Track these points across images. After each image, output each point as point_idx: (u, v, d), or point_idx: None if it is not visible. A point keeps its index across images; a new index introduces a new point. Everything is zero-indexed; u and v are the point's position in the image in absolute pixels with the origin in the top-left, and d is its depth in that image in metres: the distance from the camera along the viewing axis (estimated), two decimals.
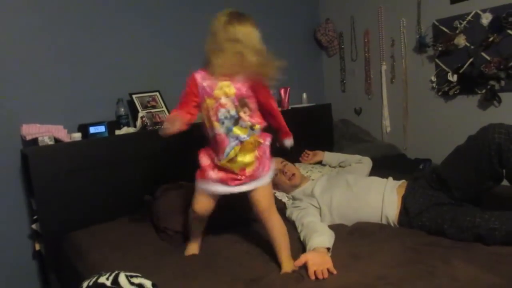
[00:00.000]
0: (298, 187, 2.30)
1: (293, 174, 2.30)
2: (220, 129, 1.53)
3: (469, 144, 1.83)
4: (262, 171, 1.57)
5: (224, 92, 1.51)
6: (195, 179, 1.63)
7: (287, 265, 1.54)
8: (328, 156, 2.75)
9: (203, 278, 1.52)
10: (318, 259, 1.49)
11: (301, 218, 1.91)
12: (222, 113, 1.51)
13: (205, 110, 1.55)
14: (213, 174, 1.56)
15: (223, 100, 1.51)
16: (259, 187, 1.57)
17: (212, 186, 1.57)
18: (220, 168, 1.56)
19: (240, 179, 1.55)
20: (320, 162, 2.78)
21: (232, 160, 1.53)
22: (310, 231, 1.73)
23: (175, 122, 1.51)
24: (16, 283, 2.30)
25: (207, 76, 1.55)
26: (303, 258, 1.50)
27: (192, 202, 1.67)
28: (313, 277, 1.42)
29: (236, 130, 1.52)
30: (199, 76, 1.57)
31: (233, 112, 1.51)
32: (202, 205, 1.64)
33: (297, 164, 2.63)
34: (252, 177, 1.55)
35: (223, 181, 1.56)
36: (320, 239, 1.64)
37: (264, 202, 1.58)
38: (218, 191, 1.58)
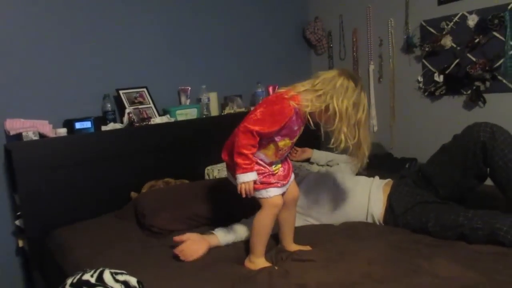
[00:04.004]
0: None
1: None
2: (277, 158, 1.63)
3: (455, 142, 1.86)
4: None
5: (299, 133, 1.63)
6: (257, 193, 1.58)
7: (292, 247, 1.69)
8: (316, 154, 2.75)
9: (189, 276, 1.51)
10: (195, 246, 1.68)
11: None
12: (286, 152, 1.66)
13: (275, 145, 1.57)
14: (276, 179, 1.62)
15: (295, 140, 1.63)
16: (292, 180, 1.71)
17: (282, 188, 1.63)
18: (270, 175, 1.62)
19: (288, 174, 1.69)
20: (308, 160, 2.77)
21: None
22: (242, 223, 1.86)
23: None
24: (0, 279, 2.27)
25: (296, 117, 1.53)
26: (185, 236, 1.69)
27: (263, 216, 1.59)
28: (176, 252, 1.65)
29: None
30: (294, 116, 1.52)
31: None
32: (280, 206, 1.61)
33: None
34: (291, 169, 1.72)
35: (283, 180, 1.64)
36: (223, 233, 1.79)
37: (296, 192, 1.73)
38: (287, 186, 1.67)
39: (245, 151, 1.48)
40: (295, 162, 2.76)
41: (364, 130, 1.54)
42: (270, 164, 1.61)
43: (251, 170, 1.50)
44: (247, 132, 1.48)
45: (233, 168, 1.57)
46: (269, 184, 1.57)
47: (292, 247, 1.70)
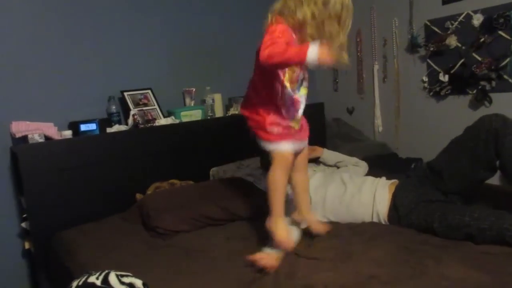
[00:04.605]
0: None
1: None
2: (296, 92, 1.60)
3: (466, 133, 1.86)
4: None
5: None
6: (266, 143, 1.58)
7: (310, 216, 1.72)
8: (326, 154, 2.63)
9: (195, 277, 1.51)
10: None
11: None
12: (300, 76, 1.60)
13: (282, 74, 1.52)
14: (293, 134, 1.61)
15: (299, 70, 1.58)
16: (306, 144, 1.73)
17: (297, 144, 1.63)
18: (287, 128, 1.60)
19: (304, 135, 1.71)
20: (317, 159, 2.66)
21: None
22: None
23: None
24: (6, 281, 2.27)
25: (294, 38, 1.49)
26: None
27: (274, 171, 1.55)
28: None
29: (303, 90, 1.64)
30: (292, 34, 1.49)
31: (301, 75, 1.61)
32: (290, 163, 1.60)
33: None
34: (307, 132, 1.73)
35: (300, 139, 1.65)
36: None
37: (305, 157, 1.76)
38: (301, 147, 1.67)
39: (285, 50, 1.36)
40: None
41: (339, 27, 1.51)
42: (290, 117, 1.59)
43: (307, 47, 1.31)
44: (270, 45, 1.37)
45: (254, 122, 1.59)
46: (285, 137, 1.56)
47: (310, 216, 1.71)
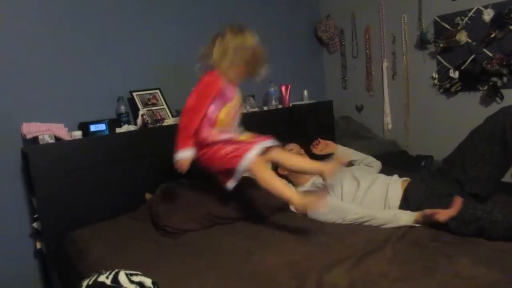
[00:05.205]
0: (305, 180, 2.30)
1: None
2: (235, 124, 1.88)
3: (486, 122, 1.89)
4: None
5: (238, 96, 1.88)
6: (239, 167, 1.74)
7: (320, 167, 1.82)
8: (341, 150, 2.54)
9: (204, 275, 1.51)
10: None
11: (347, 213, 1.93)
12: (238, 113, 1.89)
13: (223, 113, 1.80)
14: (247, 143, 1.79)
15: (237, 105, 1.88)
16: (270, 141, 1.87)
17: (259, 146, 1.77)
18: (239, 142, 1.80)
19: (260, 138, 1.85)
20: (330, 155, 2.56)
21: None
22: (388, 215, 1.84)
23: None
24: (18, 281, 2.30)
25: (223, 82, 1.78)
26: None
27: (258, 176, 1.74)
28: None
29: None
30: (220, 82, 1.77)
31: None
32: (263, 162, 1.78)
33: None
34: (262, 136, 1.86)
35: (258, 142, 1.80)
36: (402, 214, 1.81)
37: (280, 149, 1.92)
38: (266, 147, 1.80)
39: (184, 128, 1.78)
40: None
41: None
42: (236, 135, 1.81)
43: (181, 148, 1.76)
44: (186, 112, 1.77)
45: (220, 167, 1.79)
46: (244, 151, 1.72)
47: (323, 167, 1.79)
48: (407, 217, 1.77)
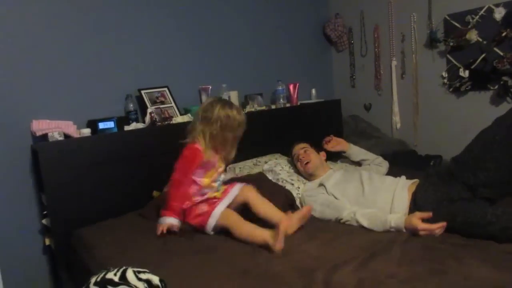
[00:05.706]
0: (315, 176, 2.31)
1: (308, 162, 2.31)
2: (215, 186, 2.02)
3: (496, 123, 1.85)
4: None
5: (220, 163, 2.02)
6: (209, 220, 1.89)
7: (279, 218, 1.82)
8: (353, 149, 2.56)
9: (211, 272, 1.51)
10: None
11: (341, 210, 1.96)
12: (220, 177, 2.05)
13: (207, 179, 1.97)
14: (214, 200, 1.96)
15: (221, 168, 2.04)
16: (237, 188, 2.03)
17: (224, 202, 1.93)
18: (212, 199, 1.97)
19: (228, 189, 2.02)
20: (341, 153, 2.60)
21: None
22: (373, 215, 1.84)
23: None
24: (27, 277, 2.32)
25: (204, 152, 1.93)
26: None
27: (233, 231, 1.82)
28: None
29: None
30: (201, 154, 1.92)
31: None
32: (233, 213, 1.89)
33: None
34: (232, 186, 2.04)
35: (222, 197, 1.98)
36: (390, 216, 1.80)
37: (248, 192, 2.01)
38: (234, 197, 1.98)
39: (173, 196, 1.94)
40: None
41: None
42: (212, 192, 1.97)
43: (167, 215, 1.91)
44: (174, 184, 1.96)
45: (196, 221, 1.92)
46: (211, 210, 1.88)
47: (283, 218, 1.80)
48: (396, 218, 1.76)
